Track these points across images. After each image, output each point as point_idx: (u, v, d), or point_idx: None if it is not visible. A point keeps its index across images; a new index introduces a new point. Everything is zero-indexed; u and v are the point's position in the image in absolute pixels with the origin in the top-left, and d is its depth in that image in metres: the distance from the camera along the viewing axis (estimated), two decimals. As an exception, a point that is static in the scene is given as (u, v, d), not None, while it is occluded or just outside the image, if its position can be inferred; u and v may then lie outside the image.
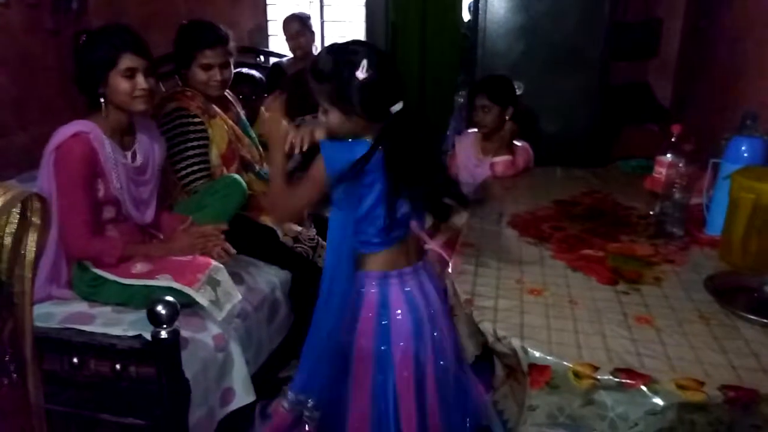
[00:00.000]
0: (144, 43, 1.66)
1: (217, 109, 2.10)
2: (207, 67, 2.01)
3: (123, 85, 1.62)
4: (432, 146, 1.60)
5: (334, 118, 1.32)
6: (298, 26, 3.13)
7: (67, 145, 1.59)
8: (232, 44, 2.07)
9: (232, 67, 2.09)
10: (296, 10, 3.33)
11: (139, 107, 1.66)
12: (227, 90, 2.17)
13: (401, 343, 1.37)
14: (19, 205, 0.67)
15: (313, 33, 3.19)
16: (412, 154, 1.34)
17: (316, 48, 3.21)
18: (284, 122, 1.40)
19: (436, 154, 1.59)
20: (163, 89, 2.12)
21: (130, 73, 1.62)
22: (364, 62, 1.25)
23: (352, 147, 1.31)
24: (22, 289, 0.69)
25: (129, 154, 1.73)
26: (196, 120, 2.02)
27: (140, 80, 1.63)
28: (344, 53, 1.30)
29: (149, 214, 1.82)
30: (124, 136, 1.73)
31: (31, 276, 0.71)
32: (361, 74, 1.25)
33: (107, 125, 1.66)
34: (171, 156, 1.98)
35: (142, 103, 1.66)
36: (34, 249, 0.68)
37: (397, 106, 1.32)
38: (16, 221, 0.68)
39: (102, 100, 1.64)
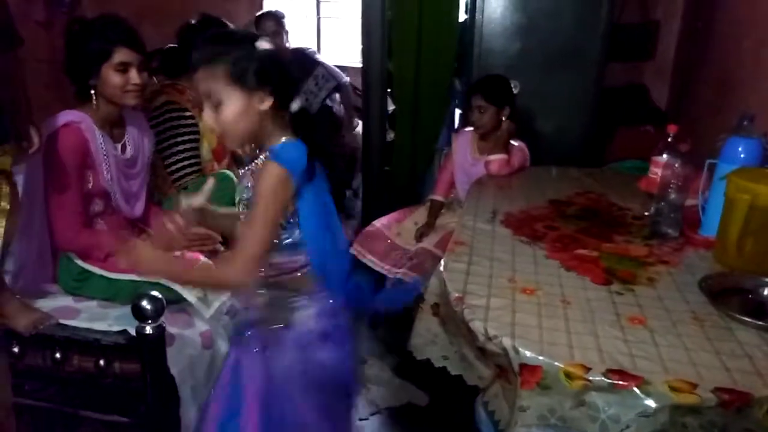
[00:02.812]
0: (139, 37, 1.64)
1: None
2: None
3: (115, 79, 1.59)
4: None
5: (234, 104, 1.11)
6: (274, 26, 3.02)
7: (58, 136, 1.56)
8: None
9: None
10: (272, 8, 3.20)
11: (131, 102, 1.64)
12: None
13: None
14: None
15: (287, 33, 3.11)
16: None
17: (290, 46, 3.16)
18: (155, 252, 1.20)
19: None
20: (156, 82, 2.09)
21: (124, 68, 1.60)
22: (262, 39, 1.14)
23: (296, 143, 1.16)
24: (-10, 277, 0.66)
25: (119, 146, 1.71)
26: (187, 114, 1.99)
27: (133, 75, 1.61)
28: (235, 32, 1.23)
29: (138, 208, 1.79)
30: (114, 129, 1.70)
31: None
32: (262, 44, 1.13)
33: (97, 117, 1.64)
34: (161, 150, 1.96)
35: (134, 98, 1.64)
36: (2, 234, 0.65)
37: (296, 105, 1.17)
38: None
39: (92, 91, 1.62)
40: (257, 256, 1.13)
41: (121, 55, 1.59)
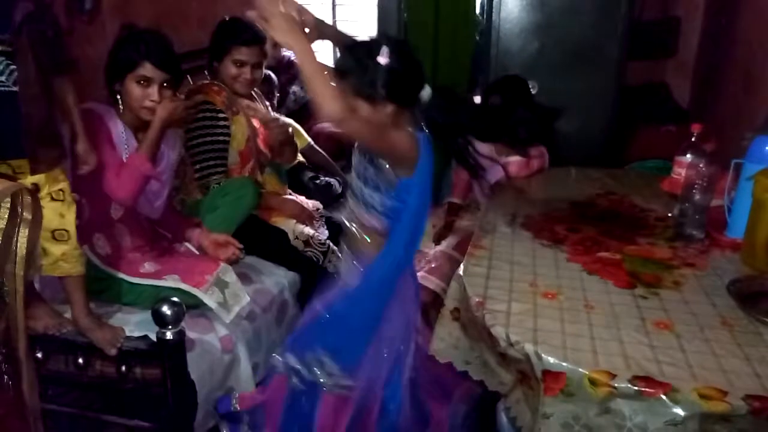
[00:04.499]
0: (172, 56, 1.65)
1: (243, 105, 2.08)
2: (240, 64, 2.02)
3: (135, 91, 1.61)
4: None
5: (362, 111, 1.29)
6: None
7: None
8: (267, 46, 2.05)
9: (263, 69, 2.09)
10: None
11: (145, 117, 1.65)
12: (255, 88, 2.16)
13: None
14: (9, 200, 0.64)
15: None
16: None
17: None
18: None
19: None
20: (192, 83, 2.10)
21: (145, 83, 1.61)
22: (384, 48, 1.25)
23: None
24: (14, 287, 0.66)
25: None
26: (221, 115, 2.01)
27: (152, 91, 1.62)
28: (362, 44, 1.30)
29: (159, 208, 1.79)
30: (138, 132, 1.71)
31: (23, 273, 0.68)
32: (382, 59, 1.24)
33: (123, 119, 1.65)
34: (190, 148, 1.98)
35: (149, 114, 1.64)
36: (26, 245, 0.66)
37: (426, 92, 1.33)
38: (6, 216, 0.66)
39: (118, 96, 1.64)
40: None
41: (144, 69, 1.60)
